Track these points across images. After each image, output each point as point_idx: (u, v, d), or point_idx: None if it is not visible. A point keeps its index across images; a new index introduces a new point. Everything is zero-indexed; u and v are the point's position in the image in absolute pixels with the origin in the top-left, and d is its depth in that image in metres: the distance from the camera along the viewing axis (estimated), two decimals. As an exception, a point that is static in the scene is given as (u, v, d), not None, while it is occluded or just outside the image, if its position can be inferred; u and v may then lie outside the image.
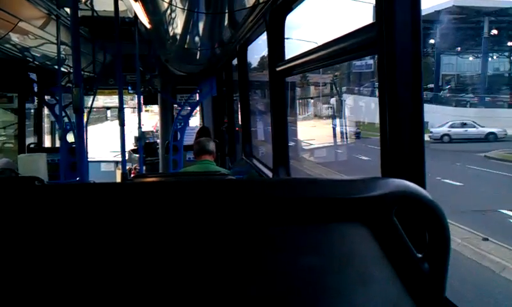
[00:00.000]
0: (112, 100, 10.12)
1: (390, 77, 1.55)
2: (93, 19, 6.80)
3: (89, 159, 7.07)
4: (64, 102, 6.98)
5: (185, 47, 4.67)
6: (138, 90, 7.08)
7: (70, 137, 7.62)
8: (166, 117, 9.24)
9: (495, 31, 32.21)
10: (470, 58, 35.73)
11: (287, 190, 0.93)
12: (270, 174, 4.17)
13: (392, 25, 1.52)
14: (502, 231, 10.40)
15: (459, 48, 34.65)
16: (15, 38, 5.33)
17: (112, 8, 5.60)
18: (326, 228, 0.91)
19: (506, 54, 34.92)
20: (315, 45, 2.65)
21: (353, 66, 30.07)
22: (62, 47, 5.97)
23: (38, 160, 6.95)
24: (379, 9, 1.59)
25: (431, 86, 33.56)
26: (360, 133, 25.45)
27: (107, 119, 29.07)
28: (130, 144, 9.86)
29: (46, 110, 9.25)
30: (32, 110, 9.04)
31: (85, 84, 6.97)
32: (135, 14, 5.20)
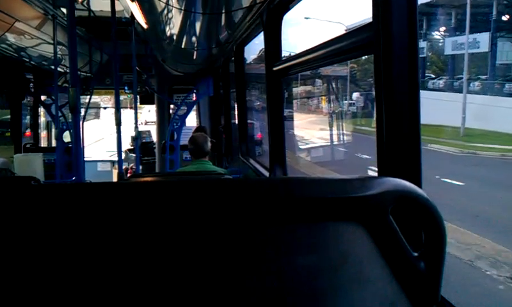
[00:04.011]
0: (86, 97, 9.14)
1: (387, 76, 1.56)
2: (89, 19, 6.79)
3: (85, 159, 7.06)
4: (61, 101, 6.97)
5: (182, 47, 4.67)
6: (135, 90, 7.06)
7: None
8: (163, 117, 9.22)
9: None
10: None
11: (283, 189, 0.93)
12: (267, 173, 4.17)
13: (389, 26, 1.53)
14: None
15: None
16: (11, 38, 5.32)
17: (108, 8, 5.59)
18: (322, 227, 0.91)
19: None
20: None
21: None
22: (58, 47, 5.96)
23: (34, 160, 6.93)
24: (375, 9, 1.60)
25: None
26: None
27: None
28: (126, 144, 9.84)
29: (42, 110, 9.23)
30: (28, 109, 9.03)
31: (82, 84, 6.97)
32: (132, 14, 5.19)
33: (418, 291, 0.93)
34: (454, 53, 25.45)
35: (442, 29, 28.07)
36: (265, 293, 0.87)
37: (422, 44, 26.97)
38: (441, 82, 26.51)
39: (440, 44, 28.60)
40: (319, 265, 0.90)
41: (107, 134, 23.04)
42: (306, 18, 24.33)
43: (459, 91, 23.10)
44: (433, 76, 28.13)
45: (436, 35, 28.66)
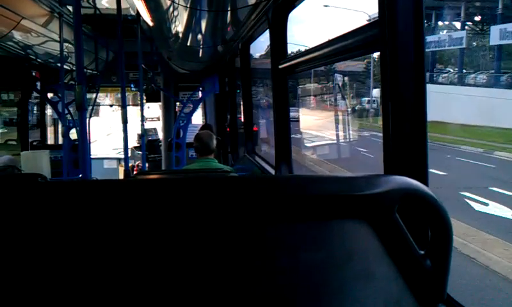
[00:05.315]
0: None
1: (393, 74, 1.55)
2: (95, 17, 6.81)
3: (92, 156, 7.08)
4: (67, 99, 7.00)
5: (188, 44, 4.67)
6: (141, 88, 7.08)
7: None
8: (169, 114, 9.23)
9: None
10: None
11: (289, 187, 0.93)
12: (272, 171, 4.17)
13: (395, 23, 1.52)
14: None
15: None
16: (17, 35, 5.34)
17: (114, 6, 5.60)
18: (328, 224, 0.91)
19: None
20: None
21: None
22: (65, 44, 5.98)
23: (41, 157, 6.96)
24: (381, 6, 1.59)
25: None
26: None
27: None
28: (132, 141, 9.87)
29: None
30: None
31: (88, 82, 6.99)
32: (137, 11, 5.19)
33: (424, 289, 0.93)
34: (502, 43, 22.03)
35: (477, 18, 25.82)
36: (271, 290, 0.87)
37: (461, 33, 24.44)
38: (483, 76, 23.39)
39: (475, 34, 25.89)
40: (325, 262, 0.89)
41: (103, 135, 21.87)
42: (326, 6, 23.80)
43: (507, 86, 20.96)
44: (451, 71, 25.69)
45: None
